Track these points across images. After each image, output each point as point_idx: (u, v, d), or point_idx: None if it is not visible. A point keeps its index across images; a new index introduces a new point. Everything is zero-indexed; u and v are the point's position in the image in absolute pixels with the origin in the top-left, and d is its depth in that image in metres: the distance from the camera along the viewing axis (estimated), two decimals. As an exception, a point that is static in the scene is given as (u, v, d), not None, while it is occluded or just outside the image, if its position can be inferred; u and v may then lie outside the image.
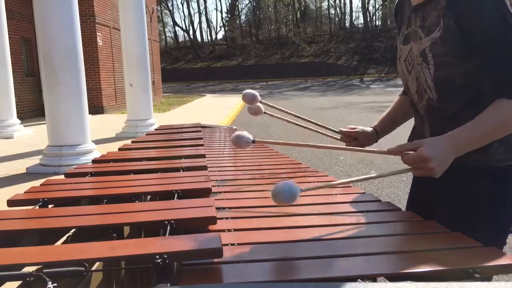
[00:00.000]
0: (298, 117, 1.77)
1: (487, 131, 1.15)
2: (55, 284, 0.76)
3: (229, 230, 1.13)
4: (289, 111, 1.85)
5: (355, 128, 1.61)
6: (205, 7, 61.79)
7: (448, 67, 1.22)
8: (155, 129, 3.87)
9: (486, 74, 1.18)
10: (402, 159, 1.16)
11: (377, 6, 44.89)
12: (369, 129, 1.61)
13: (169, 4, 50.19)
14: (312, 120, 1.76)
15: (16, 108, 9.22)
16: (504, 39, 1.13)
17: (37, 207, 1.35)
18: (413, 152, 1.13)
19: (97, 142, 6.25)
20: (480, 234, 1.06)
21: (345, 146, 1.54)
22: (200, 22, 58.46)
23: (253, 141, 1.39)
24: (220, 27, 67.74)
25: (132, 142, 2.86)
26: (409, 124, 1.55)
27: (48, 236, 1.18)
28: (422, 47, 1.26)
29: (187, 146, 2.60)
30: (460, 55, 1.19)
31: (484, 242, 0.99)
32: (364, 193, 1.52)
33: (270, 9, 48.51)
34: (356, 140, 1.60)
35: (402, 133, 1.65)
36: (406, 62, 1.36)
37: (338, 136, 1.65)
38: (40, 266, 0.83)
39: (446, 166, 1.13)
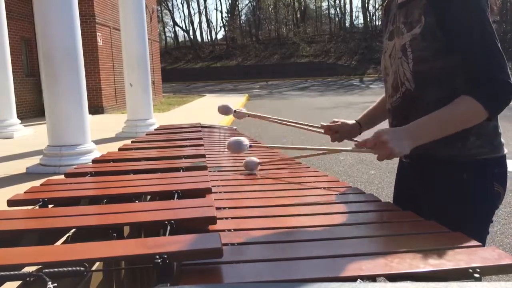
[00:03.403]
0: (280, 120, 1.89)
1: (444, 123, 1.22)
2: (55, 284, 0.76)
3: (229, 230, 1.13)
4: (269, 116, 1.97)
5: (337, 122, 1.66)
6: (205, 7, 61.84)
7: (426, 62, 1.27)
8: (155, 129, 3.86)
9: (464, 73, 1.23)
10: (365, 145, 1.28)
11: (377, 6, 44.87)
12: (351, 121, 1.67)
13: (169, 4, 50.24)
14: (293, 120, 1.85)
15: (16, 108, 9.22)
16: (480, 41, 1.19)
17: (37, 207, 1.35)
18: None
19: (97, 142, 6.25)
20: (464, 227, 1.08)
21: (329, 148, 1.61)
22: (200, 22, 58.42)
23: (250, 146, 1.48)
24: (220, 27, 67.81)
25: (132, 142, 2.86)
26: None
27: (48, 236, 1.18)
28: (403, 42, 1.32)
29: (187, 146, 2.60)
30: (438, 51, 1.24)
31: (468, 234, 1.02)
32: (364, 193, 1.52)
33: (270, 9, 48.52)
34: (337, 133, 1.66)
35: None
36: (390, 58, 1.41)
37: (322, 130, 1.69)
38: (40, 266, 0.83)
39: (403, 149, 1.20)
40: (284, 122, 1.88)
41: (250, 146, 1.49)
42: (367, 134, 1.67)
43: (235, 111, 1.93)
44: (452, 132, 1.22)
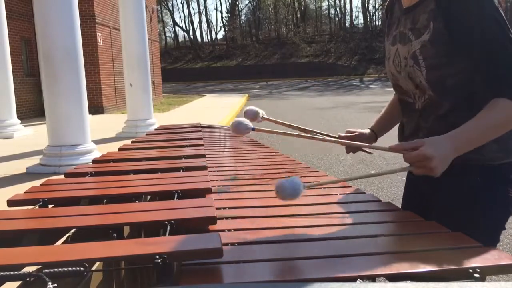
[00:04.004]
0: (298, 127, 1.74)
1: (487, 131, 1.16)
2: (55, 284, 0.76)
3: (229, 230, 1.13)
4: (288, 123, 1.81)
5: (353, 132, 1.61)
6: (205, 7, 61.95)
7: (438, 69, 1.23)
8: (155, 129, 3.86)
9: (482, 74, 1.19)
10: (404, 158, 1.16)
11: (377, 6, 44.89)
12: (367, 130, 1.61)
13: (169, 4, 50.25)
14: (312, 129, 1.73)
15: (16, 108, 9.21)
16: (497, 40, 1.15)
17: (37, 207, 1.35)
18: (415, 151, 1.12)
19: (97, 142, 6.25)
20: (476, 232, 1.07)
21: (347, 141, 1.54)
22: (200, 22, 58.46)
23: (253, 129, 1.42)
24: (220, 27, 67.87)
25: (132, 142, 2.86)
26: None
27: (48, 236, 1.18)
28: (413, 49, 1.27)
29: (187, 146, 2.60)
30: (450, 57, 1.21)
31: (479, 240, 1.00)
32: (364, 193, 1.52)
33: (270, 9, 48.53)
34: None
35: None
36: (394, 63, 1.37)
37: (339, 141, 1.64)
38: (40, 266, 0.83)
39: (446, 166, 1.12)
40: (303, 135, 1.79)
41: (253, 129, 1.43)
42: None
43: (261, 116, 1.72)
44: (491, 139, 1.18)
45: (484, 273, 0.85)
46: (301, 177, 1.81)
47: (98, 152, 5.51)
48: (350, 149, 1.60)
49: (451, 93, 1.25)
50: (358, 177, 1.37)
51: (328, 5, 49.36)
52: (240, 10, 50.69)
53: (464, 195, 1.27)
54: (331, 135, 1.66)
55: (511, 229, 3.40)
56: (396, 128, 1.62)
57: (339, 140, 1.49)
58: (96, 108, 13.00)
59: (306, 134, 1.69)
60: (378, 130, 1.62)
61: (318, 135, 1.66)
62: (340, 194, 1.50)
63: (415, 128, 1.37)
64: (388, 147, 1.22)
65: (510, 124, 1.17)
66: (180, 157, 2.16)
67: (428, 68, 1.24)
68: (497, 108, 1.14)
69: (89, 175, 1.79)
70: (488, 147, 1.23)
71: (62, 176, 1.80)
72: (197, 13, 57.88)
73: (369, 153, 1.69)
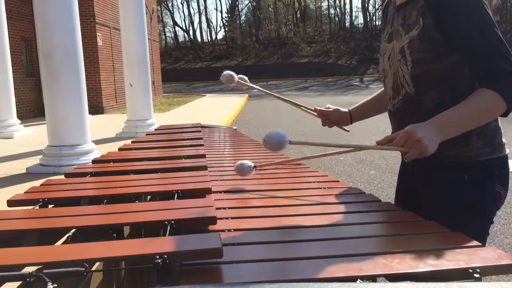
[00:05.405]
0: (277, 97, 1.98)
1: (467, 117, 1.20)
2: (55, 285, 0.76)
3: (229, 230, 1.13)
4: (269, 91, 2.06)
5: (329, 108, 1.71)
6: (205, 7, 61.98)
7: (424, 64, 1.27)
8: (155, 129, 3.87)
9: (474, 72, 1.23)
10: (393, 144, 1.21)
11: (377, 6, 44.87)
12: (343, 109, 1.72)
13: (169, 4, 50.22)
14: (289, 99, 1.92)
15: (16, 108, 9.21)
16: (492, 40, 1.19)
17: (37, 207, 1.35)
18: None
19: (97, 142, 6.25)
20: (469, 229, 1.08)
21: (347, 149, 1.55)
22: (200, 22, 58.45)
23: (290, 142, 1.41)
24: (220, 27, 67.89)
25: (132, 142, 2.86)
26: (382, 116, 1.73)
27: (48, 236, 1.18)
28: (401, 44, 1.32)
29: (187, 146, 2.60)
30: (437, 52, 1.24)
31: (471, 236, 1.01)
32: (364, 193, 1.52)
33: (270, 9, 48.54)
34: (329, 119, 1.71)
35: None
36: (389, 60, 1.41)
37: (315, 113, 1.75)
38: (40, 266, 0.83)
39: (435, 144, 1.17)
40: (283, 99, 1.98)
41: (290, 142, 1.38)
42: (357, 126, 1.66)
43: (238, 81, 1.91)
44: (473, 127, 1.22)
45: (484, 273, 0.85)
46: (301, 177, 1.81)
47: (98, 152, 5.51)
48: (320, 116, 1.72)
49: (434, 88, 1.28)
50: (342, 151, 1.42)
51: (328, 5, 49.45)
52: (240, 10, 50.75)
53: (456, 193, 1.29)
54: (310, 107, 1.78)
55: (511, 229, 3.41)
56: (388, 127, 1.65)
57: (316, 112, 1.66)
58: (96, 108, 13.00)
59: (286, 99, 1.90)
60: (355, 114, 1.71)
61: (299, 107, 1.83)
62: (340, 194, 1.50)
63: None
64: (375, 143, 1.28)
65: (490, 114, 1.21)
66: (180, 157, 2.16)
67: (414, 63, 1.28)
68: (480, 98, 1.19)
69: (89, 175, 1.79)
70: (473, 143, 1.27)
71: (62, 176, 1.80)
72: (197, 13, 57.97)
73: (346, 130, 1.77)
